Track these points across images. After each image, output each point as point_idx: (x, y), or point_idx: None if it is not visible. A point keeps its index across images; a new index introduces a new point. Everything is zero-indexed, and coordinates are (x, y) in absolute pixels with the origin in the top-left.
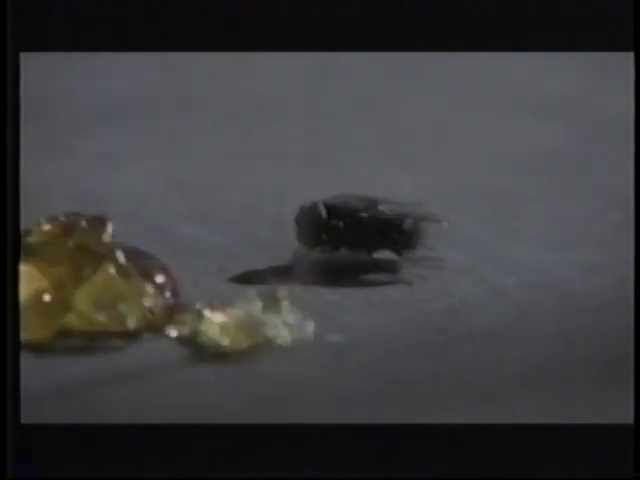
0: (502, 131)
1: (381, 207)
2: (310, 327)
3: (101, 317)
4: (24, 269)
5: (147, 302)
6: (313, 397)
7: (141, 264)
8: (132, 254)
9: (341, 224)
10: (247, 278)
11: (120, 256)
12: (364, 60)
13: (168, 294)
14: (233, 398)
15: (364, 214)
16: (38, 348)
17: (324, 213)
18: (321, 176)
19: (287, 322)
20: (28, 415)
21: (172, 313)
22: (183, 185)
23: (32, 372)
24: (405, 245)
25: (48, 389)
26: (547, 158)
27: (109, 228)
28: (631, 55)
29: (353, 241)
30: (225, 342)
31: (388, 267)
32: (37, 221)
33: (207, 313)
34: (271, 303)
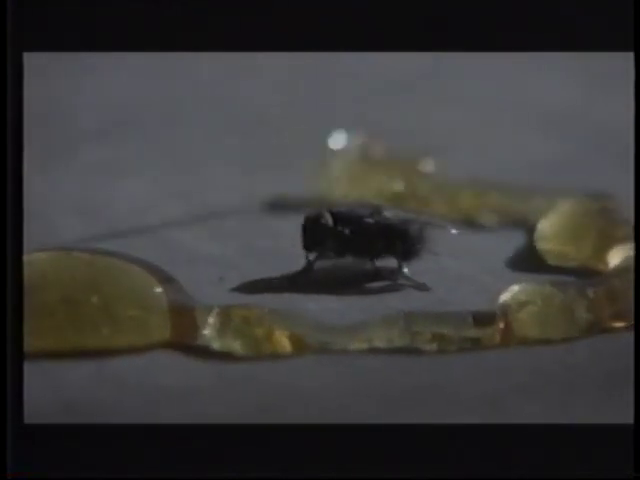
0: (502, 136)
1: (386, 213)
2: None
3: None
4: None
5: None
6: (313, 403)
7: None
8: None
9: (347, 231)
10: (249, 287)
11: None
12: (364, 60)
13: None
14: (234, 401)
15: (370, 220)
16: (42, 350)
17: (330, 221)
18: (322, 182)
19: None
20: (31, 415)
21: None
22: (183, 194)
23: (35, 373)
24: (410, 251)
25: (51, 390)
26: (547, 162)
27: None
28: (631, 55)
29: (359, 248)
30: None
31: (390, 275)
32: None
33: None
34: None
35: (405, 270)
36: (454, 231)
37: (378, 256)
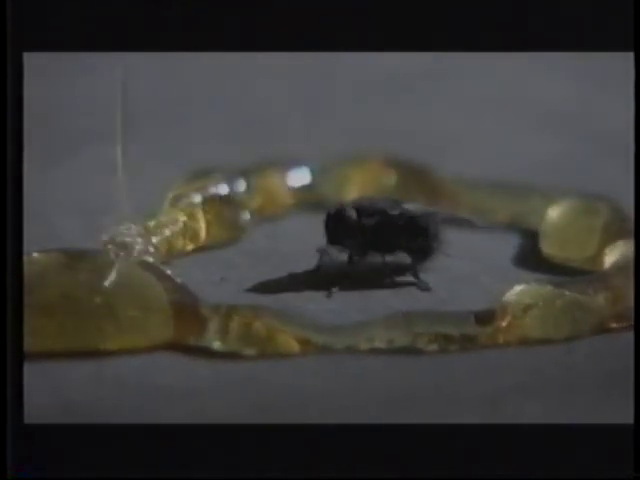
0: (502, 135)
1: (406, 206)
2: None
3: None
4: None
5: None
6: (314, 404)
7: None
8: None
9: (372, 222)
10: (250, 287)
11: None
12: (364, 60)
13: None
14: (234, 401)
15: (394, 212)
16: (42, 350)
17: (353, 214)
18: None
19: None
20: (31, 415)
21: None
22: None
23: (35, 373)
24: (427, 249)
25: (51, 390)
26: (547, 162)
27: None
28: (631, 55)
29: (384, 241)
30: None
31: (399, 272)
32: None
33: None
34: None
35: (417, 267)
36: (481, 225)
37: (395, 251)
